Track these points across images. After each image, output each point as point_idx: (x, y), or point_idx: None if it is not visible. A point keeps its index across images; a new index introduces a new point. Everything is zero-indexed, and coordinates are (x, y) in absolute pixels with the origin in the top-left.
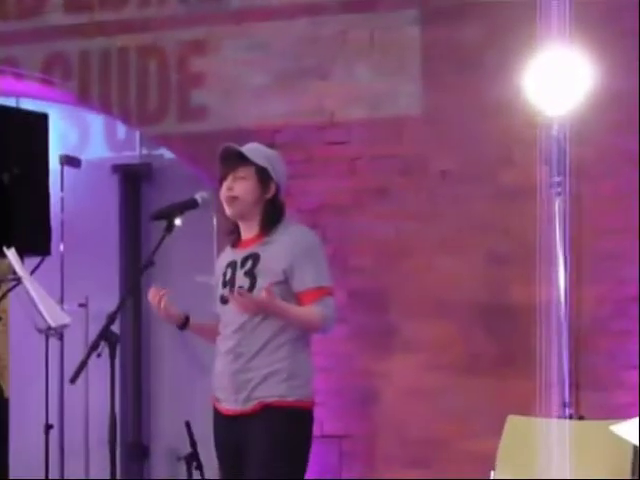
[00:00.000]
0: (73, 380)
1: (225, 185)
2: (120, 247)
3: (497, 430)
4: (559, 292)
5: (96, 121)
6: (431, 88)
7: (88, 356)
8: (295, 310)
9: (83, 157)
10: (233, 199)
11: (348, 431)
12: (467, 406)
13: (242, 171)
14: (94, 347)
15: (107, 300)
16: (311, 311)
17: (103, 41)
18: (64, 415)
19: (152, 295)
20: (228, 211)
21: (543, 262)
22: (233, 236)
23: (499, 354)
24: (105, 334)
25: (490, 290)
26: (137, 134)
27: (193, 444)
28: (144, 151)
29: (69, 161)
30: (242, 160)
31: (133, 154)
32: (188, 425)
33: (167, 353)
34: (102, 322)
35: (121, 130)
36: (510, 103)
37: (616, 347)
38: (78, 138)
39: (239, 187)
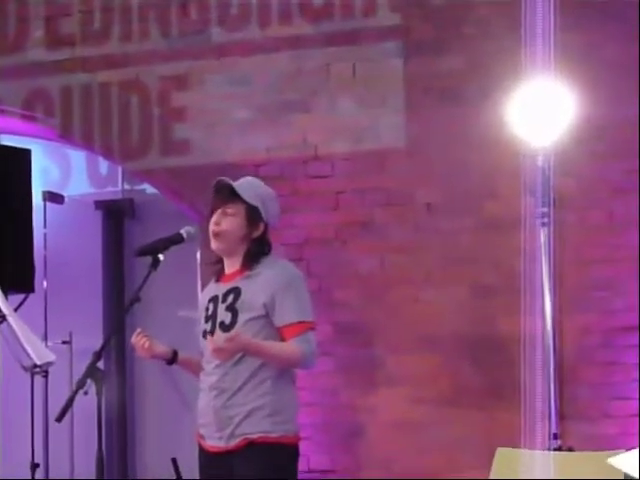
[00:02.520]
0: (59, 419)
1: (213, 219)
2: (103, 283)
3: (484, 463)
4: (545, 323)
5: (78, 157)
6: (414, 120)
7: (74, 394)
8: (272, 347)
9: (65, 193)
10: (219, 234)
11: (334, 465)
12: (453, 439)
13: (232, 207)
14: (80, 385)
15: (91, 336)
16: (290, 348)
17: (85, 76)
18: (49, 453)
19: (135, 339)
20: (213, 245)
21: (528, 293)
22: (216, 268)
23: (485, 386)
24: (91, 372)
25: (475, 322)
26: (119, 170)
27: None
28: (126, 186)
29: (52, 197)
30: (233, 196)
31: (115, 190)
32: (174, 462)
33: (152, 390)
34: (86, 359)
35: (103, 166)
36: (493, 134)
37: (601, 378)
38: (60, 174)
39: (226, 223)
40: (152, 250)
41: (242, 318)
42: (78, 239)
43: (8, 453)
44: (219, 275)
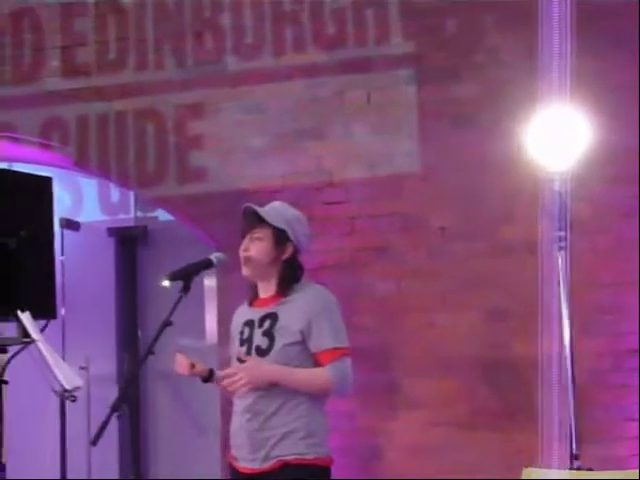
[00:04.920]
0: (95, 442)
1: (242, 246)
2: (117, 310)
3: None
4: (564, 346)
5: (89, 185)
6: (429, 146)
7: (109, 417)
8: (303, 374)
9: (79, 220)
10: (248, 259)
11: None
12: (471, 462)
13: (259, 232)
14: (116, 408)
15: (106, 362)
16: (322, 374)
17: (101, 105)
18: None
19: (178, 357)
20: (244, 271)
21: (544, 317)
22: (250, 292)
23: (502, 409)
24: (126, 395)
25: (491, 345)
26: (131, 197)
27: None
28: (139, 214)
29: (69, 224)
30: (260, 220)
31: (128, 217)
32: None
33: (166, 414)
34: (103, 383)
35: (115, 193)
36: (507, 160)
37: (615, 400)
38: (72, 202)
39: (254, 248)
40: (183, 275)
41: (279, 343)
42: (92, 266)
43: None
44: (253, 299)
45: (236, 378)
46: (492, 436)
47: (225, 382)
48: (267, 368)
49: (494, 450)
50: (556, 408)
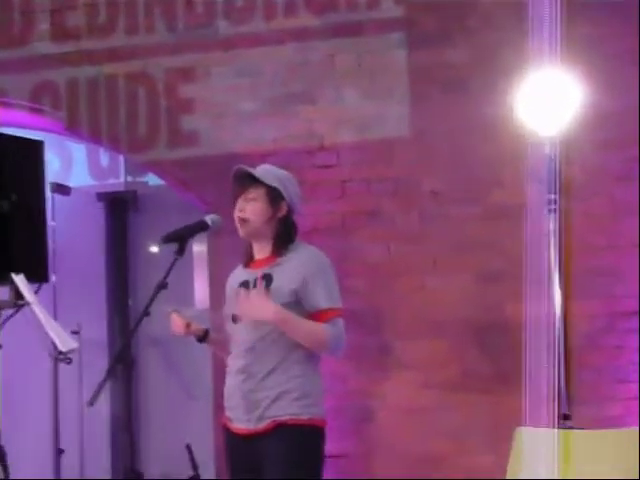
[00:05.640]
0: (92, 403)
1: (237, 207)
2: (107, 275)
3: (492, 446)
4: (554, 308)
5: (78, 150)
6: (419, 110)
7: (106, 380)
8: (303, 322)
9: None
10: (244, 220)
11: (345, 451)
12: (462, 423)
13: (252, 192)
14: (112, 370)
15: (97, 327)
16: (321, 328)
17: (91, 69)
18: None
19: (173, 317)
20: (240, 232)
21: (534, 279)
22: (245, 253)
23: (493, 371)
24: (121, 357)
25: (482, 308)
26: (121, 162)
27: (195, 467)
28: (129, 179)
29: (59, 189)
30: (253, 181)
31: (117, 182)
32: (189, 448)
33: (157, 379)
34: (94, 348)
35: (104, 158)
36: (498, 124)
37: (608, 362)
38: (61, 167)
39: (250, 208)
40: (178, 237)
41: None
42: (82, 231)
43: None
44: (248, 260)
45: (247, 300)
46: (483, 398)
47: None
48: (273, 304)
49: (485, 412)
50: (547, 369)
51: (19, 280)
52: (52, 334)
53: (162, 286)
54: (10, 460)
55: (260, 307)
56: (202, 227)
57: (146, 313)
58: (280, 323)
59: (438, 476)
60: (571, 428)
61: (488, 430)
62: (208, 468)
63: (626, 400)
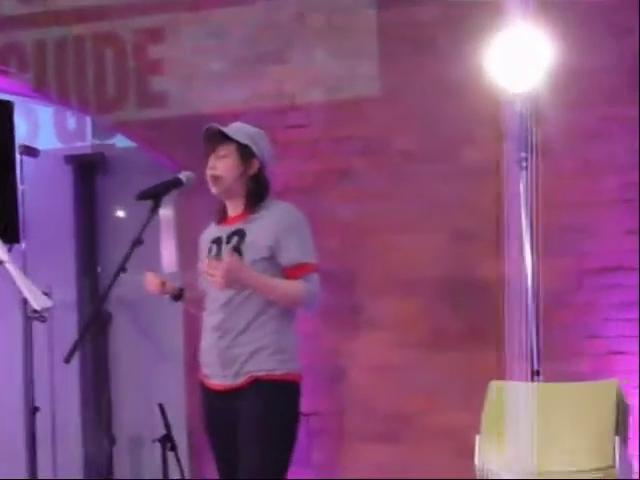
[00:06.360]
0: (68, 359)
1: (208, 165)
2: (76, 237)
3: (465, 403)
4: (526, 265)
5: (45, 112)
6: (389, 69)
7: (82, 336)
8: (276, 283)
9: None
10: (216, 178)
11: (316, 409)
12: (434, 381)
13: (223, 149)
14: (88, 327)
15: (66, 289)
16: (295, 286)
17: (58, 30)
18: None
19: (148, 277)
20: (213, 189)
21: (506, 237)
22: (218, 211)
23: (464, 329)
24: (97, 314)
25: (454, 267)
26: (88, 124)
27: (167, 426)
28: (96, 141)
29: (28, 151)
30: (223, 139)
31: (84, 144)
32: (162, 408)
33: (127, 340)
34: (64, 311)
35: (71, 121)
36: (468, 82)
37: (578, 318)
38: (27, 129)
39: (221, 165)
40: (153, 194)
41: (247, 259)
42: (50, 194)
43: None
44: (221, 218)
45: (216, 269)
46: (455, 355)
47: (207, 268)
48: (245, 268)
49: (457, 369)
50: (518, 326)
51: None
52: (26, 292)
53: (138, 242)
54: None
55: (231, 273)
56: (176, 184)
57: (122, 269)
58: (253, 287)
59: (411, 433)
60: None
61: (461, 387)
62: (180, 428)
63: (595, 356)
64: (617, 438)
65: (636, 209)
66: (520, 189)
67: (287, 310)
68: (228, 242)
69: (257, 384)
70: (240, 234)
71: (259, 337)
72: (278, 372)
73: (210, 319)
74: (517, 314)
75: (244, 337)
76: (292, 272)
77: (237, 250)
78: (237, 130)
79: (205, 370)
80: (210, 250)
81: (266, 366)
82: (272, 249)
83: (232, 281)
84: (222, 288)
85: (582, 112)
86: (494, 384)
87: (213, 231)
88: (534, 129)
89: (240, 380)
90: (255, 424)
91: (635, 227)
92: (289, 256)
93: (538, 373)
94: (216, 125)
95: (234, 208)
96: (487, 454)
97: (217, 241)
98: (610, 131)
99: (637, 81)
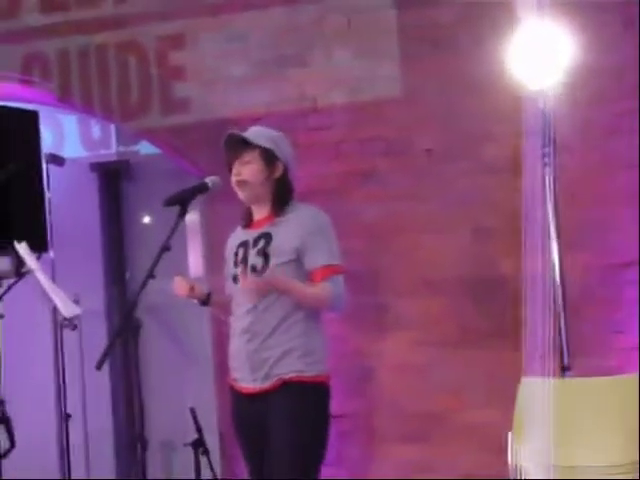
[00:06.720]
0: (99, 366)
1: (233, 171)
2: (103, 245)
3: (492, 400)
4: (552, 260)
5: (69, 121)
6: (410, 69)
7: (112, 343)
8: (303, 287)
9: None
10: (242, 183)
11: (345, 410)
12: (460, 379)
13: (247, 155)
14: (118, 334)
15: (94, 298)
16: (321, 289)
17: (81, 39)
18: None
19: (177, 280)
20: (240, 195)
21: (530, 233)
22: (244, 215)
23: (489, 327)
24: (128, 320)
25: (478, 264)
26: (112, 132)
27: (199, 430)
28: (120, 148)
29: (54, 159)
30: (246, 145)
31: (109, 152)
32: (193, 411)
33: (157, 345)
34: (92, 318)
35: (95, 129)
36: (488, 80)
37: (601, 314)
38: (53, 138)
39: (246, 171)
40: (179, 200)
41: (273, 262)
42: (77, 202)
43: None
44: (247, 222)
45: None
46: (481, 353)
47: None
48: (272, 278)
49: (483, 367)
50: (545, 322)
51: (21, 248)
52: (56, 300)
53: (166, 248)
54: (15, 428)
55: (259, 288)
56: (202, 189)
57: (151, 275)
58: (281, 293)
59: (440, 433)
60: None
61: (487, 385)
62: (212, 431)
63: (623, 350)
64: None
65: None
66: (544, 184)
67: (313, 312)
68: (255, 246)
69: (286, 387)
70: (267, 237)
71: (287, 340)
72: (307, 374)
73: (238, 324)
74: (542, 310)
75: (272, 340)
76: (318, 274)
77: (264, 253)
78: (259, 134)
79: (234, 374)
80: (237, 254)
81: (295, 368)
82: (298, 251)
83: (265, 294)
84: (254, 302)
85: (601, 107)
86: (525, 381)
87: (240, 235)
88: (554, 125)
89: (269, 383)
90: (286, 426)
91: None
92: (315, 259)
93: (567, 369)
94: (236, 131)
95: (260, 212)
96: (520, 451)
97: (244, 245)
98: (630, 127)
99: None
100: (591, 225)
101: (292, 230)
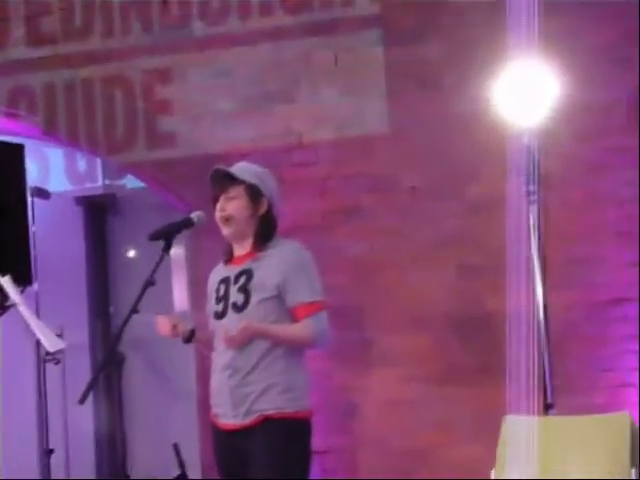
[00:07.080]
0: (82, 400)
1: (218, 206)
2: (88, 279)
3: (477, 437)
4: (537, 298)
5: (55, 155)
6: (396, 106)
7: (96, 377)
8: (284, 330)
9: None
10: (227, 219)
11: (330, 446)
12: (446, 415)
13: (232, 191)
14: (102, 368)
15: (78, 331)
16: (302, 328)
17: (67, 73)
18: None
19: (161, 319)
20: (224, 231)
21: (514, 271)
22: (225, 251)
23: (475, 363)
24: (112, 355)
25: (463, 302)
26: (98, 166)
27: (182, 465)
28: (106, 182)
29: (39, 193)
30: (231, 180)
31: (95, 186)
32: (176, 447)
33: (140, 380)
34: (77, 352)
35: (81, 162)
36: (474, 118)
37: (588, 351)
38: (38, 172)
39: (231, 207)
40: (164, 234)
41: (254, 299)
42: (62, 235)
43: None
44: (228, 258)
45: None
46: (466, 391)
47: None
48: (257, 329)
49: (469, 404)
50: (530, 360)
51: (5, 281)
52: (39, 335)
53: (150, 283)
54: None
55: (235, 340)
56: (187, 224)
57: (135, 310)
58: (261, 338)
59: (425, 469)
60: None
61: (472, 422)
62: (195, 466)
63: (609, 388)
64: (634, 470)
65: (636, 242)
66: (528, 222)
67: (296, 348)
68: (236, 282)
69: (267, 423)
70: (248, 274)
71: (268, 376)
72: (288, 410)
73: (219, 359)
74: (526, 347)
75: (253, 376)
76: (300, 312)
77: (245, 290)
78: (244, 170)
79: (216, 410)
80: (218, 290)
81: (276, 405)
82: (279, 288)
83: (246, 342)
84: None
85: (586, 144)
86: (508, 418)
87: (221, 271)
88: (540, 162)
89: (250, 419)
90: (266, 463)
91: (636, 259)
92: (296, 296)
93: (550, 407)
94: (222, 167)
95: (241, 247)
96: None
97: (225, 281)
98: (615, 163)
99: (638, 114)
100: (577, 262)
101: (273, 266)
